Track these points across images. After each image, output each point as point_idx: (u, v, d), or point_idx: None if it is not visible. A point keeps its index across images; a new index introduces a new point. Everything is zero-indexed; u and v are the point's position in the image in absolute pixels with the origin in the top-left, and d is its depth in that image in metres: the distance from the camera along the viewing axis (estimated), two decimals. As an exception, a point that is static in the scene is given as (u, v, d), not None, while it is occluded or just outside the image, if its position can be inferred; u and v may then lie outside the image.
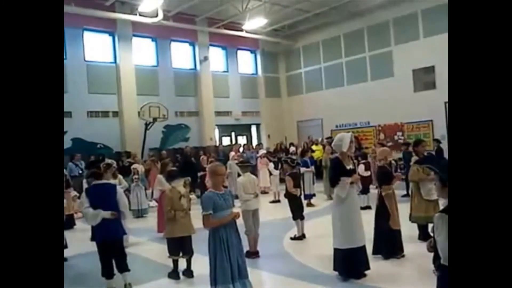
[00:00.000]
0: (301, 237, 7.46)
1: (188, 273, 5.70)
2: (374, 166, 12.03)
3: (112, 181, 7.24)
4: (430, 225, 6.54)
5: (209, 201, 4.12)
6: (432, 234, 2.73)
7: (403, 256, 5.92)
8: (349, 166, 5.36)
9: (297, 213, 7.50)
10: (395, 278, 5.24)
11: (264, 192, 13.36)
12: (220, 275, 4.05)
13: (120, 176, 8.12)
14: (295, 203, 7.53)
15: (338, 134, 5.65)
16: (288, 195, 7.57)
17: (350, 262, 5.16)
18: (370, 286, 5.01)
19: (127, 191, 10.11)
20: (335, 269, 5.32)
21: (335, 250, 5.27)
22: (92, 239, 7.88)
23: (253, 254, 6.44)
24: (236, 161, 12.99)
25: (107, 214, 5.03)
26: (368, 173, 10.21)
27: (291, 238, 7.48)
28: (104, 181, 5.43)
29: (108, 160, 7.95)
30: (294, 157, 13.39)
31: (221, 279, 4.04)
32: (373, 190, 8.27)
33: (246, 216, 6.35)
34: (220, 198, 4.16)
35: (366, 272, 5.24)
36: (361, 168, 9.73)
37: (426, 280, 5.03)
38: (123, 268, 5.21)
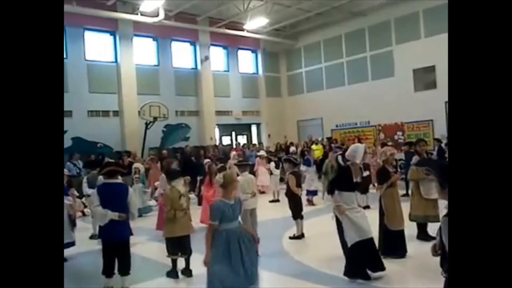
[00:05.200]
0: (300, 236, 7.46)
1: (187, 272, 5.70)
2: (374, 166, 12.03)
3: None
4: (429, 224, 6.57)
5: (218, 211, 4.03)
6: (432, 235, 2.72)
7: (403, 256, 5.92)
8: (356, 179, 5.28)
9: (297, 213, 7.50)
10: (395, 278, 5.23)
11: (263, 192, 13.37)
12: (212, 282, 3.98)
13: (120, 178, 8.08)
14: (295, 203, 7.53)
15: (352, 144, 5.64)
16: (289, 193, 7.56)
17: (357, 258, 5.10)
18: (370, 285, 5.00)
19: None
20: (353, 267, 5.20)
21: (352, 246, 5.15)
22: (92, 237, 7.94)
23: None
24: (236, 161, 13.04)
25: (114, 215, 4.99)
26: (367, 173, 10.17)
27: (290, 238, 7.48)
28: (116, 180, 5.32)
29: (108, 160, 7.93)
30: (294, 156, 13.42)
31: (212, 284, 3.98)
32: (372, 190, 8.26)
33: (244, 215, 6.35)
34: (229, 208, 4.08)
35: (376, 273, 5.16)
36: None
37: (426, 279, 5.03)
38: (125, 271, 5.20)
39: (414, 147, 6.84)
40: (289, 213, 7.58)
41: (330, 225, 5.76)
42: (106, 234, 5.17)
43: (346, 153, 5.46)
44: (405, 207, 6.75)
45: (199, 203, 9.81)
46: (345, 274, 5.20)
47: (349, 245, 5.16)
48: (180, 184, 5.94)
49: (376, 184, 6.30)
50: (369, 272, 5.12)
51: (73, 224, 7.10)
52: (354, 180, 5.26)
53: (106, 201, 5.08)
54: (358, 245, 5.08)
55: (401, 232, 5.96)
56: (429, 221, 6.48)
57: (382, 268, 5.15)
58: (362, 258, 5.12)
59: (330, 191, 5.28)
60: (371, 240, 5.18)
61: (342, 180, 5.32)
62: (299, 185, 7.73)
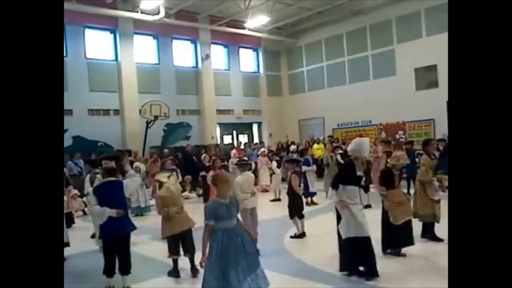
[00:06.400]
0: (301, 235, 7.43)
1: (195, 271, 5.63)
2: (375, 165, 11.99)
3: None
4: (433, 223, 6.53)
5: (212, 211, 4.03)
6: (439, 236, 2.71)
7: (404, 254, 5.89)
8: (359, 173, 5.29)
9: (296, 212, 7.46)
10: (397, 277, 5.20)
11: (264, 191, 13.35)
12: (208, 281, 3.96)
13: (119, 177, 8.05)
14: (296, 201, 7.51)
15: (355, 139, 5.59)
16: (291, 192, 7.53)
17: (353, 253, 5.11)
18: (371, 284, 4.97)
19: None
20: (351, 264, 5.24)
21: (346, 239, 5.15)
22: (93, 236, 7.90)
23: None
24: (238, 158, 13.02)
25: (112, 212, 5.01)
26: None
27: (291, 237, 7.45)
28: (112, 178, 5.33)
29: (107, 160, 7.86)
30: (295, 155, 13.40)
31: (208, 284, 3.96)
32: (373, 189, 8.25)
33: (244, 215, 6.33)
34: (223, 208, 4.06)
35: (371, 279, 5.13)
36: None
37: (428, 279, 5.01)
38: (125, 270, 5.18)
39: (425, 147, 6.80)
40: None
41: (331, 224, 5.73)
42: (107, 231, 5.16)
43: (351, 148, 5.41)
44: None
45: (205, 200, 9.78)
46: (341, 269, 5.25)
47: (343, 237, 5.16)
48: (164, 176, 5.92)
49: (378, 186, 6.27)
50: (363, 279, 5.09)
51: (67, 222, 7.05)
52: (357, 173, 5.26)
53: (104, 200, 5.10)
54: (353, 241, 5.08)
55: (408, 223, 5.95)
56: (429, 219, 6.48)
57: (375, 274, 5.08)
58: (356, 254, 5.12)
59: (335, 186, 5.24)
60: (368, 239, 5.16)
61: (346, 174, 5.30)
62: (299, 184, 7.72)
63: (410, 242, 5.94)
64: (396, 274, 5.30)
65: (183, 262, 5.76)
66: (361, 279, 5.08)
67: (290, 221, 7.72)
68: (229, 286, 3.94)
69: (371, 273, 5.09)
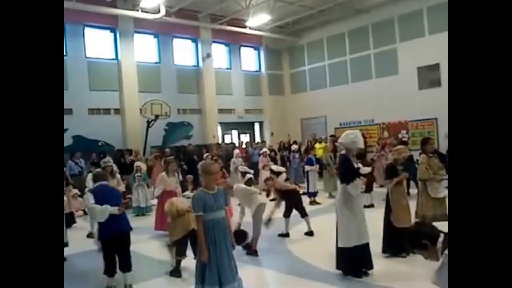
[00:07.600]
0: (288, 234, 7.46)
1: None
2: (379, 164, 11.93)
3: (109, 181, 7.22)
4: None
5: (199, 201, 4.03)
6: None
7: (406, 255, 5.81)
8: (356, 165, 5.30)
9: (289, 210, 7.42)
10: (398, 277, 5.17)
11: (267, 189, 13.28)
12: (208, 277, 3.96)
13: (118, 176, 8.02)
14: (292, 200, 7.46)
15: (346, 131, 5.49)
16: (287, 192, 7.49)
17: (355, 260, 5.08)
18: (372, 284, 4.93)
19: (128, 190, 10.02)
20: (338, 267, 5.24)
21: (341, 249, 5.13)
22: (89, 236, 7.83)
23: (254, 252, 6.39)
24: (240, 158, 12.99)
25: (114, 209, 5.04)
26: (369, 170, 10.05)
27: (306, 233, 7.44)
28: (105, 182, 5.48)
29: (106, 159, 7.81)
30: (297, 155, 13.38)
31: (208, 280, 3.96)
32: (376, 189, 8.18)
33: (259, 210, 6.31)
34: (211, 198, 4.05)
35: (369, 271, 5.16)
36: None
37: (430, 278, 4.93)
38: (126, 267, 5.16)
39: (423, 146, 6.67)
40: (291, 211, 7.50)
41: (333, 224, 5.65)
42: (109, 228, 5.11)
43: (344, 141, 5.31)
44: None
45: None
46: (338, 267, 5.22)
47: (344, 246, 5.07)
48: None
49: (384, 181, 6.26)
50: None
51: (68, 222, 7.02)
52: (355, 166, 5.26)
53: (102, 199, 5.11)
54: (354, 249, 5.04)
55: (407, 230, 5.86)
56: (438, 220, 6.36)
57: (371, 267, 5.14)
58: (357, 260, 5.10)
59: (348, 181, 5.13)
60: (367, 245, 5.15)
61: (348, 170, 5.21)
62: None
63: (408, 251, 5.80)
64: (397, 274, 5.27)
65: (183, 261, 5.71)
66: (363, 279, 5.05)
67: (292, 220, 7.68)
68: (223, 273, 3.97)
69: (368, 268, 5.12)
